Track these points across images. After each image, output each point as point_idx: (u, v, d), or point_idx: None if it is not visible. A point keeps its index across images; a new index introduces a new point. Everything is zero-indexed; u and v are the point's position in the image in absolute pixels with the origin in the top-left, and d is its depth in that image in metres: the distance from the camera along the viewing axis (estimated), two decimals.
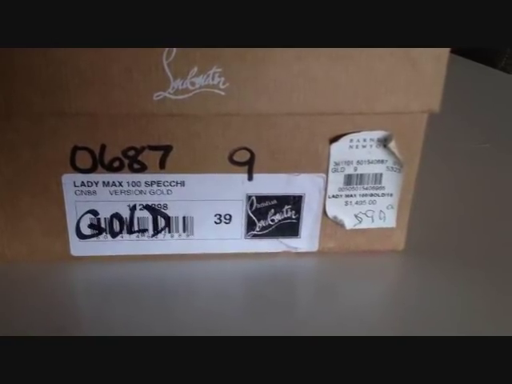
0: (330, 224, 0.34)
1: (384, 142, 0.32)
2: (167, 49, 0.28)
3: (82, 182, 0.31)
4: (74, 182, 0.31)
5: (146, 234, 0.33)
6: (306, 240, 0.35)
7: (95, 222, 0.33)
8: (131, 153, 0.31)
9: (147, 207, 0.33)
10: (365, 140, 0.32)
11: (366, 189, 0.33)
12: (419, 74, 0.30)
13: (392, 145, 0.32)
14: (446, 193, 0.42)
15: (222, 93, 0.29)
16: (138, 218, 0.33)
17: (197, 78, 0.28)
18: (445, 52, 0.30)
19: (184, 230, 0.33)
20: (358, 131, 0.32)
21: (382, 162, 0.33)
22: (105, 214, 0.32)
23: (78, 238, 0.33)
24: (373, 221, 0.34)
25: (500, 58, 0.87)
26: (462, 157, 0.48)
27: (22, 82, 0.28)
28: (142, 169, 0.31)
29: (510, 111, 0.58)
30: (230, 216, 0.33)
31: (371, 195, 0.34)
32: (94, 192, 0.32)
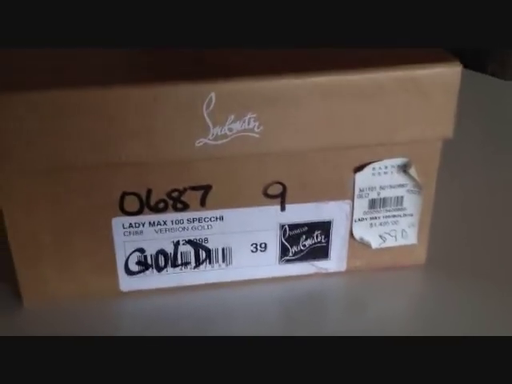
0: (356, 245, 0.37)
1: (404, 168, 0.35)
2: (207, 98, 0.30)
3: (130, 223, 0.34)
4: (123, 225, 0.34)
5: (189, 266, 0.36)
6: (335, 261, 0.37)
7: (142, 259, 0.35)
8: (175, 194, 0.33)
9: (189, 242, 0.35)
10: (386, 167, 0.35)
11: (389, 211, 0.36)
12: (432, 104, 0.33)
13: (412, 170, 0.35)
14: (462, 208, 0.45)
15: (257, 135, 0.32)
16: (181, 253, 0.35)
17: (234, 124, 0.31)
18: (455, 83, 0.33)
19: (223, 261, 0.36)
20: (380, 160, 0.34)
21: (402, 185, 0.36)
22: (151, 250, 0.35)
23: (126, 275, 0.35)
24: (396, 239, 0.37)
25: (488, 63, 0.90)
26: (471, 168, 0.50)
27: (74, 138, 0.31)
28: (185, 208, 0.34)
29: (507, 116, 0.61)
30: (266, 244, 0.36)
31: (393, 216, 0.37)
32: (141, 232, 0.34)
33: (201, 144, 0.32)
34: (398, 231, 0.37)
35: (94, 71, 0.32)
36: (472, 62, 0.77)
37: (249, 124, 0.31)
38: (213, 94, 0.30)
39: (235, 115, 0.31)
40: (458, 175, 0.48)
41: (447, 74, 0.32)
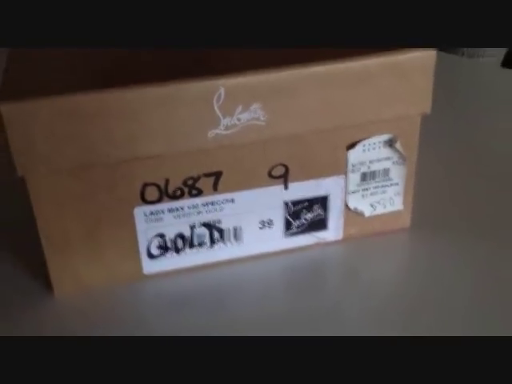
0: (350, 215, 0.41)
1: (390, 143, 0.39)
2: (217, 94, 0.34)
3: (151, 211, 0.37)
4: (145, 213, 0.37)
5: (204, 246, 0.39)
6: (333, 231, 0.42)
7: (162, 244, 0.38)
8: (190, 182, 0.37)
9: (204, 224, 0.39)
10: (374, 143, 0.39)
11: (378, 182, 0.41)
12: (412, 84, 0.37)
13: (397, 144, 0.39)
14: (439, 176, 0.50)
15: (263, 123, 0.35)
16: (197, 235, 0.39)
17: (242, 114, 0.35)
18: (430, 62, 0.37)
19: (235, 239, 0.40)
20: (369, 137, 0.39)
21: (388, 158, 0.40)
22: (170, 235, 0.38)
23: (148, 259, 0.39)
24: (385, 207, 0.42)
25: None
26: (445, 139, 0.56)
27: (98, 138, 0.33)
28: (199, 193, 0.37)
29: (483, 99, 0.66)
30: (272, 221, 0.40)
31: (382, 186, 0.41)
32: (161, 219, 0.37)
33: (213, 134, 0.35)
34: (386, 199, 0.42)
35: (109, 73, 0.35)
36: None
37: (255, 113, 0.35)
38: (222, 89, 0.34)
39: (243, 106, 0.35)
40: (435, 146, 0.53)
41: (424, 57, 0.37)
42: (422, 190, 0.44)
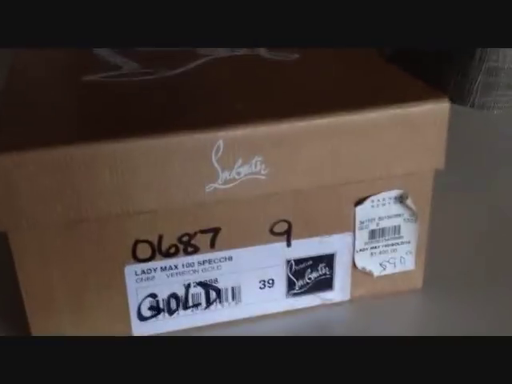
0: (358, 274, 0.39)
1: (400, 199, 0.37)
2: (215, 146, 0.32)
3: (143, 270, 0.34)
4: (136, 272, 0.34)
5: (200, 307, 0.37)
6: (339, 291, 0.39)
7: (154, 304, 0.36)
8: (185, 238, 0.34)
9: (200, 284, 0.36)
10: (384, 199, 0.36)
11: (388, 240, 0.38)
12: (424, 138, 0.35)
13: (408, 201, 0.36)
14: (454, 233, 0.47)
15: (264, 177, 0.33)
16: (192, 295, 0.36)
17: (242, 167, 0.32)
18: (443, 115, 0.35)
19: (233, 299, 0.37)
20: (378, 192, 0.36)
21: (399, 215, 0.37)
22: (163, 295, 0.36)
23: (138, 320, 0.36)
24: (395, 266, 0.39)
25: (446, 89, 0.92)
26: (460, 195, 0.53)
27: (86, 192, 0.31)
28: (195, 251, 0.35)
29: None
30: (273, 280, 0.37)
31: (392, 244, 0.38)
32: (153, 277, 0.35)
33: (211, 189, 0.33)
34: (397, 258, 0.39)
35: (100, 122, 0.33)
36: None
37: (256, 167, 0.33)
38: (221, 142, 0.32)
39: (242, 159, 0.32)
40: (448, 201, 0.50)
41: (436, 110, 0.35)
42: (434, 248, 0.41)
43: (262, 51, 0.44)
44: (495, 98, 0.71)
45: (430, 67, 0.73)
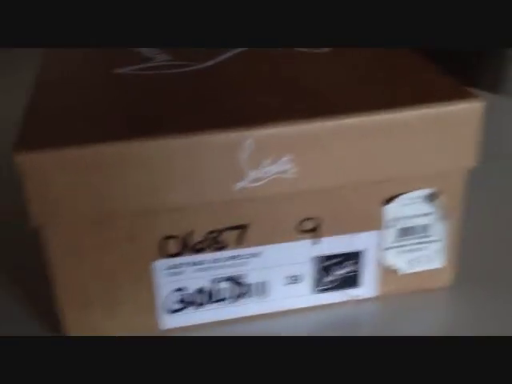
0: (386, 271, 0.38)
1: (430, 198, 0.36)
2: (245, 145, 0.31)
3: (171, 265, 0.35)
4: (164, 266, 0.35)
5: (227, 301, 0.37)
6: (367, 288, 0.39)
7: (182, 298, 0.36)
8: (213, 235, 0.34)
9: (227, 278, 0.36)
10: (414, 198, 0.36)
11: (417, 238, 0.38)
12: (456, 138, 0.34)
13: (439, 200, 0.36)
14: (485, 230, 0.46)
15: (292, 175, 0.33)
16: (219, 289, 0.36)
17: (271, 166, 0.32)
18: (477, 114, 0.34)
19: (260, 294, 0.37)
20: (409, 191, 0.36)
21: (429, 214, 0.37)
22: (190, 289, 0.36)
23: (166, 314, 0.36)
24: (424, 264, 0.39)
25: (481, 78, 0.90)
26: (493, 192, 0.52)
27: (119, 189, 0.32)
28: (223, 247, 0.35)
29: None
30: (300, 276, 0.37)
31: (421, 243, 0.38)
32: (181, 272, 0.35)
33: (239, 187, 0.33)
34: (426, 256, 0.39)
35: (130, 122, 0.33)
36: (464, 77, 0.79)
37: (285, 166, 0.33)
38: (251, 140, 0.32)
39: (272, 158, 0.32)
40: (480, 198, 0.49)
41: (469, 110, 0.34)
42: (464, 246, 0.41)
43: None
44: None
45: (462, 54, 0.71)
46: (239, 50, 0.42)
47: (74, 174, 0.31)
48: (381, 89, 0.35)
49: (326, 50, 0.42)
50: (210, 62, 0.40)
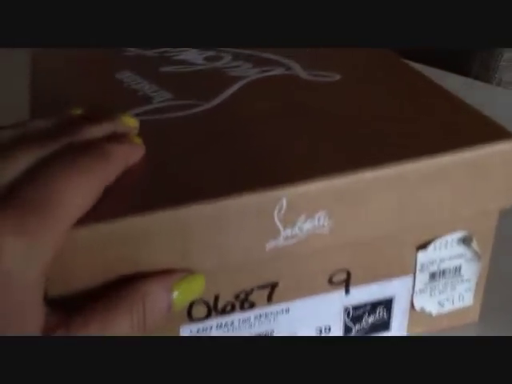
0: (416, 313, 0.37)
1: (464, 241, 0.35)
2: (278, 204, 0.29)
3: (198, 329, 0.33)
4: (191, 330, 0.32)
5: None
6: (396, 331, 0.37)
7: None
8: (242, 295, 0.32)
9: (260, 338, 0.34)
10: (447, 242, 0.35)
11: (448, 279, 0.36)
12: (492, 179, 0.33)
13: (473, 242, 0.35)
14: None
15: (327, 231, 0.31)
16: None
17: (304, 224, 0.30)
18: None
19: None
20: (442, 236, 0.34)
21: (461, 256, 0.35)
22: None
23: None
24: (453, 303, 0.37)
25: (471, 66, 0.89)
26: None
27: (149, 259, 0.29)
28: (251, 306, 0.33)
29: None
30: (330, 327, 0.35)
31: (452, 283, 0.37)
32: (209, 335, 0.33)
33: (271, 246, 0.30)
34: (456, 296, 0.37)
35: (157, 187, 0.30)
36: (455, 65, 0.77)
37: (319, 221, 0.31)
38: (284, 200, 0.29)
39: (306, 215, 0.30)
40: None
41: (505, 150, 0.32)
42: (490, 281, 0.40)
43: (297, 69, 0.42)
44: None
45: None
46: (244, 81, 0.40)
47: (97, 250, 0.28)
48: (413, 131, 0.33)
49: (335, 77, 0.40)
50: (215, 101, 0.37)
